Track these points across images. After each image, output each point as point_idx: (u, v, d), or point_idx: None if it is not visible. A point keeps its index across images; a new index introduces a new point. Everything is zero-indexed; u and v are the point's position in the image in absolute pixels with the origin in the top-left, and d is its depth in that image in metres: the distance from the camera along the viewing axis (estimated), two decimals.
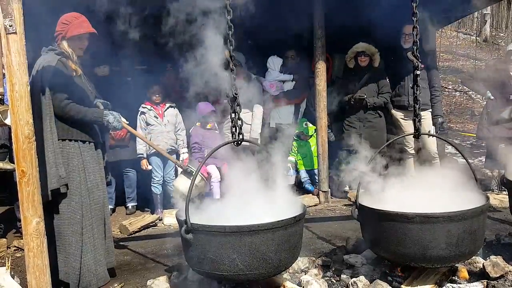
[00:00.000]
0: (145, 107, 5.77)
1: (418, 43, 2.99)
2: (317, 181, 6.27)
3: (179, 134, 5.94)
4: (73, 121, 3.23)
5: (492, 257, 3.12)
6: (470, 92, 13.79)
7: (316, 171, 6.29)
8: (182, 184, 3.46)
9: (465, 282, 2.95)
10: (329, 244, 4.23)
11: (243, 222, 2.64)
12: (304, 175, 6.51)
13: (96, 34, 3.36)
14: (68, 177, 3.17)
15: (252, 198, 2.95)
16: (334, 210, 5.75)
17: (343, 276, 3.16)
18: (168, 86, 6.33)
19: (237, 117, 2.80)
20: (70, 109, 3.18)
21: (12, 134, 2.65)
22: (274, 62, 6.45)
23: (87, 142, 3.34)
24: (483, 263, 3.10)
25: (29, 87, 2.63)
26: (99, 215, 3.38)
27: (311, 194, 6.32)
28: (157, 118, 5.75)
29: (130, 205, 6.12)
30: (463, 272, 3.05)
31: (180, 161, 5.88)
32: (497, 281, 2.93)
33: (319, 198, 6.07)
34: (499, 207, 5.20)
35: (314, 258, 3.51)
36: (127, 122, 3.58)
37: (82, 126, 3.29)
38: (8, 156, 4.61)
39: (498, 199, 5.37)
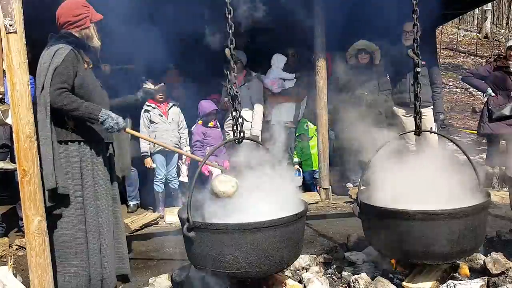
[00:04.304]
0: (149, 105, 5.77)
1: (418, 40, 2.99)
2: (318, 178, 6.26)
3: (181, 132, 5.96)
4: (67, 115, 2.88)
5: (493, 254, 3.13)
6: (471, 89, 13.77)
7: (317, 171, 6.29)
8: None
9: (466, 279, 2.96)
10: (330, 242, 4.23)
11: (245, 219, 2.65)
12: (308, 177, 6.51)
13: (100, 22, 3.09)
14: (73, 182, 2.91)
15: (254, 195, 2.95)
16: (335, 207, 5.75)
17: (345, 273, 3.18)
18: (171, 85, 6.33)
19: (237, 115, 2.80)
20: (64, 97, 2.79)
21: (13, 134, 2.66)
22: (278, 60, 6.46)
23: (94, 142, 3.04)
24: (484, 260, 3.10)
25: (29, 87, 2.63)
26: (108, 221, 3.10)
27: (312, 192, 6.31)
28: (161, 116, 5.77)
29: (131, 203, 6.11)
30: (464, 268, 3.06)
31: (183, 160, 5.92)
32: (498, 278, 2.94)
33: (320, 195, 6.07)
34: (500, 204, 5.19)
35: (315, 256, 3.52)
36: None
37: (94, 125, 2.98)
38: (9, 156, 4.61)
39: (499, 195, 5.37)
